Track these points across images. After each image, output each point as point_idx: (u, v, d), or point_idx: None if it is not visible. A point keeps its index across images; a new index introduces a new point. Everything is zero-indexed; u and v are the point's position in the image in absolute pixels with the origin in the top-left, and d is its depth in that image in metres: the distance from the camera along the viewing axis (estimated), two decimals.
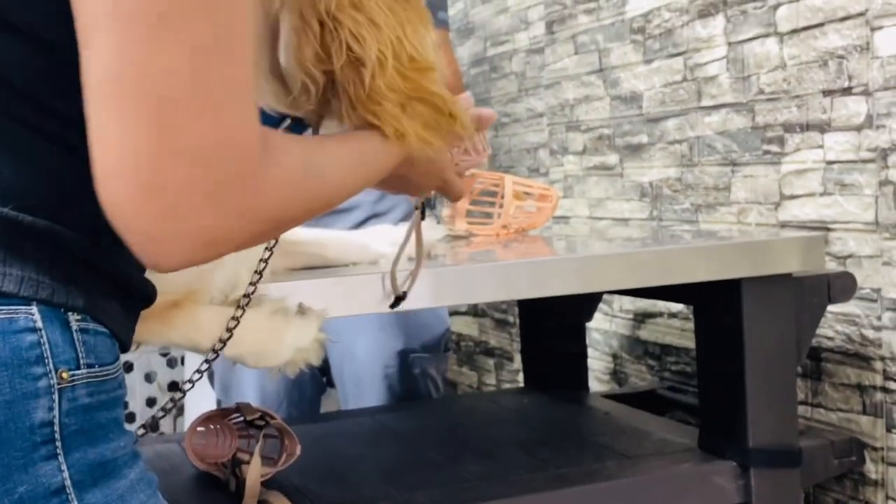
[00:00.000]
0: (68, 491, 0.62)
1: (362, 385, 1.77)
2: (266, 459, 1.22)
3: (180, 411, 2.69)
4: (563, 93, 2.07)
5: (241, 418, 1.30)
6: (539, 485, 1.20)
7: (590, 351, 1.98)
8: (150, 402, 2.68)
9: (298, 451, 1.22)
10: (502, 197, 1.54)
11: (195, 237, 0.58)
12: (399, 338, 1.71)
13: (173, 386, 2.73)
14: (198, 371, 0.92)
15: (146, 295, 0.73)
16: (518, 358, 2.20)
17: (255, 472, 1.17)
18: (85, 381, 0.64)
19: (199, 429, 1.32)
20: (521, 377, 2.06)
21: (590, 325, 1.92)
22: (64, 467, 0.62)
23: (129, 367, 2.63)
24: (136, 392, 2.68)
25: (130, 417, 2.67)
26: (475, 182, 1.62)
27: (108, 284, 0.67)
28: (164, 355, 2.70)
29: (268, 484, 1.19)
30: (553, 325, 1.72)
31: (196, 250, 0.59)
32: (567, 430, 1.47)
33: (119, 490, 0.65)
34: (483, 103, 2.43)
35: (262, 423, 1.27)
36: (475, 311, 2.51)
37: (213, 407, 1.69)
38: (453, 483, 1.22)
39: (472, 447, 1.38)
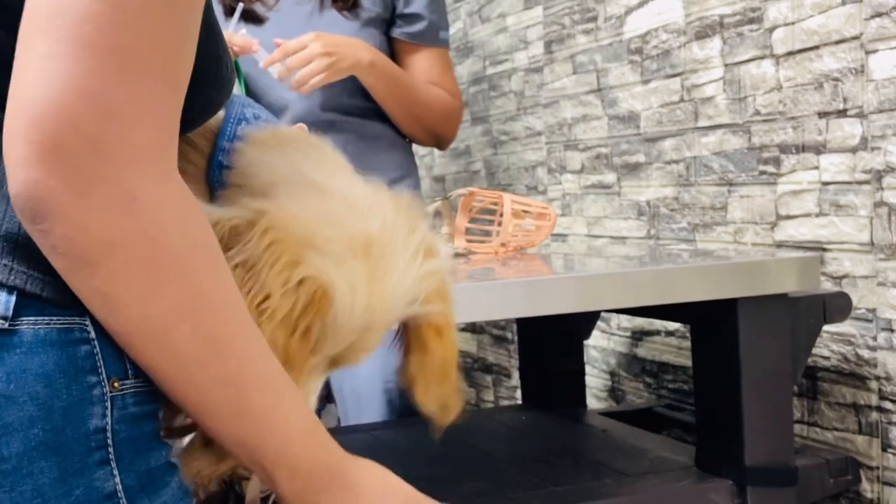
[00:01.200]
0: (120, 496, 0.64)
1: (362, 401, 1.78)
2: None
3: None
4: (562, 112, 2.09)
5: None
6: (536, 502, 1.20)
7: (587, 368, 1.99)
8: None
9: None
10: (501, 215, 1.55)
11: (56, 184, 0.57)
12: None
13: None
14: None
15: None
16: (516, 375, 2.21)
17: (254, 488, 1.17)
18: (133, 391, 0.66)
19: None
20: (518, 394, 2.07)
21: (587, 342, 1.93)
22: (116, 472, 0.64)
23: None
24: None
25: None
26: (474, 200, 1.63)
27: None
28: None
29: (267, 501, 1.19)
30: (551, 342, 1.74)
31: (52, 198, 0.57)
32: (564, 448, 1.48)
33: (164, 497, 0.67)
34: (482, 121, 2.45)
35: None
36: (473, 328, 2.52)
37: None
38: (451, 500, 1.23)
39: (469, 464, 1.39)
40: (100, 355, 0.64)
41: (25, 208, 0.58)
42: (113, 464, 0.64)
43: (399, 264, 0.77)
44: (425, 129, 1.88)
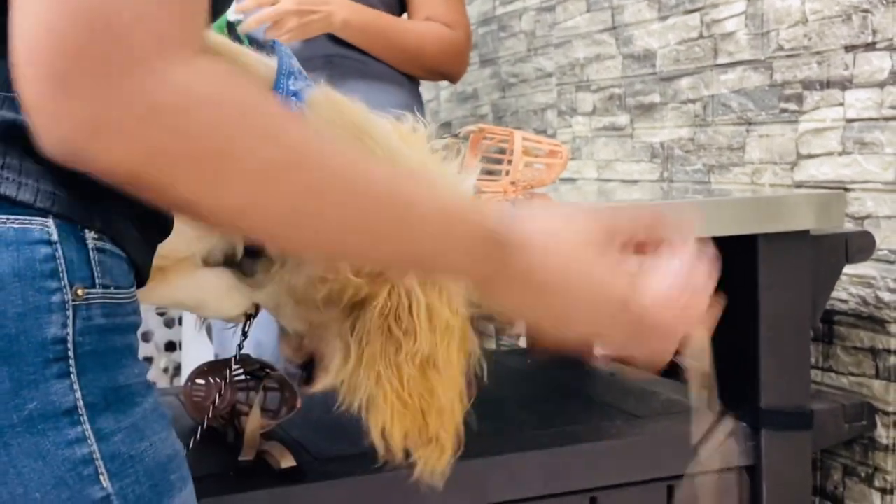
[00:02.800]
0: (80, 412, 0.59)
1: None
2: (266, 412, 1.19)
3: (177, 370, 2.67)
4: (574, 52, 2.03)
5: (241, 370, 1.27)
6: (545, 441, 1.17)
7: None
8: (147, 360, 2.66)
9: (299, 403, 1.20)
10: (511, 153, 1.50)
11: (76, 116, 0.51)
12: None
13: (170, 346, 2.70)
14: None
15: (164, 223, 0.69)
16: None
17: (254, 424, 1.14)
18: (101, 301, 0.61)
19: (197, 381, 1.29)
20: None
21: None
22: (77, 387, 0.59)
23: None
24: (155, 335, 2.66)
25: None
26: (483, 137, 1.58)
27: (125, 204, 0.62)
28: (161, 314, 2.67)
29: (267, 436, 1.16)
30: None
31: (76, 132, 0.51)
32: (572, 390, 1.45)
33: (132, 418, 0.62)
34: (490, 63, 2.38)
35: (261, 374, 1.24)
36: None
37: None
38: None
39: (475, 404, 1.35)
40: (62, 259, 0.59)
41: (56, 156, 0.53)
42: (73, 377, 0.59)
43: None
44: (425, 69, 1.82)
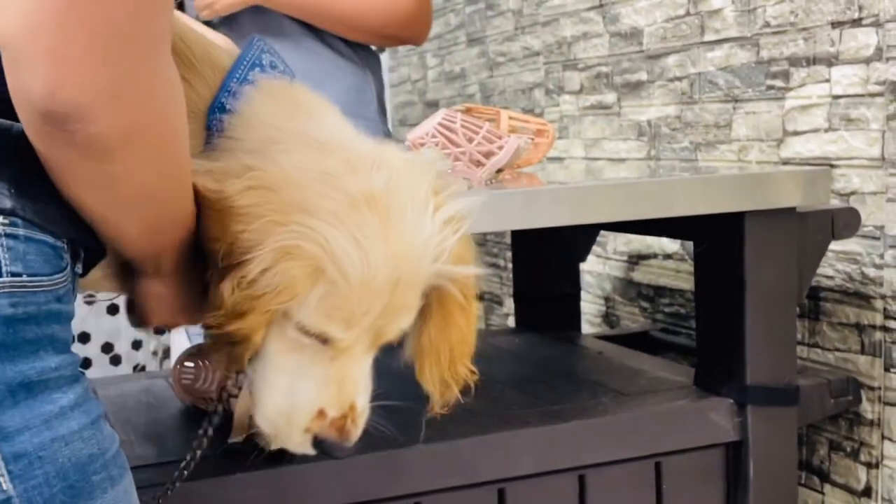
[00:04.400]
0: None
1: None
2: None
3: (166, 353, 2.66)
4: (561, 30, 2.02)
5: None
6: (533, 420, 1.18)
7: (582, 293, 1.96)
8: (136, 344, 2.65)
9: None
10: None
11: (51, 51, 0.52)
12: None
13: (159, 329, 2.70)
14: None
15: None
16: (508, 302, 2.18)
17: (243, 405, 1.14)
18: (7, 290, 0.58)
19: (186, 363, 1.29)
20: (510, 321, 2.04)
21: (582, 266, 1.89)
22: None
23: (114, 309, 2.60)
24: (122, 334, 2.65)
25: (116, 360, 2.64)
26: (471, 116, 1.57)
27: (53, 184, 0.61)
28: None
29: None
30: (546, 265, 1.70)
31: (52, 68, 0.53)
32: (560, 369, 1.45)
33: (44, 415, 0.59)
34: (478, 42, 2.37)
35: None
36: None
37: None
38: (446, 417, 1.20)
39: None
40: None
41: (55, 113, 0.54)
42: None
43: (411, 213, 0.71)
44: (375, 35, 1.73)
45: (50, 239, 0.61)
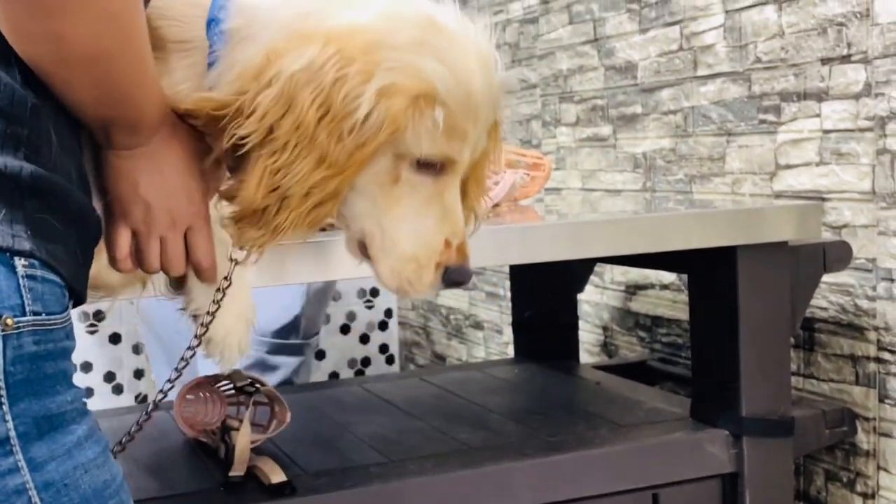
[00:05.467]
0: (13, 442, 0.59)
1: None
2: (256, 426, 1.21)
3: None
4: (557, 63, 2.05)
5: (231, 385, 1.28)
6: (531, 452, 1.19)
7: (580, 323, 1.97)
8: (138, 373, 2.66)
9: (288, 418, 1.21)
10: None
11: None
12: None
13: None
14: (176, 370, 0.85)
15: (98, 224, 0.70)
16: (508, 331, 2.19)
17: (244, 439, 1.15)
18: (31, 328, 0.61)
19: (188, 396, 1.30)
20: (510, 350, 2.05)
21: (580, 296, 1.91)
22: (8, 417, 0.59)
23: (116, 338, 2.61)
24: (124, 364, 2.66)
25: (118, 389, 2.65)
26: None
27: (58, 215, 0.64)
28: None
29: (258, 451, 1.18)
30: (544, 295, 1.71)
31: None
32: (558, 399, 1.47)
33: (66, 445, 0.62)
34: None
35: (251, 389, 1.26)
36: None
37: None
38: (444, 450, 1.21)
39: (462, 415, 1.37)
40: None
41: None
42: (5, 408, 0.59)
43: (466, 30, 0.75)
44: None
45: (58, 279, 0.64)
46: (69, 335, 0.65)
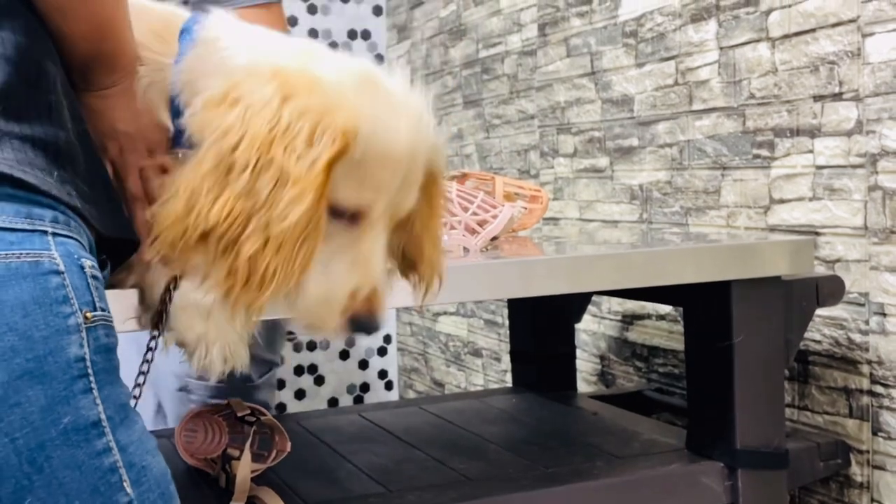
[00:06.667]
0: (104, 424, 0.66)
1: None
2: (256, 456, 1.22)
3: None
4: (555, 95, 2.08)
5: (232, 414, 1.30)
6: (528, 483, 1.20)
7: (577, 352, 1.99)
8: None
9: (289, 447, 1.23)
10: (493, 197, 1.54)
11: None
12: None
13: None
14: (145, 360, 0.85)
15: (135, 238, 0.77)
16: (506, 358, 2.20)
17: (245, 469, 1.17)
18: (102, 322, 0.68)
19: (188, 425, 1.31)
20: (508, 378, 2.07)
21: (578, 326, 1.93)
22: (98, 402, 0.66)
23: None
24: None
25: None
26: (466, 182, 1.62)
27: (113, 236, 0.71)
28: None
29: (258, 480, 1.19)
30: (542, 325, 1.73)
31: None
32: (555, 430, 1.48)
33: (138, 432, 0.69)
34: (474, 105, 2.43)
35: (252, 419, 1.27)
36: (464, 312, 2.51)
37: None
38: (442, 481, 1.22)
39: (460, 446, 1.38)
40: (70, 287, 0.66)
41: None
42: (95, 392, 0.65)
43: (403, 90, 0.80)
44: None
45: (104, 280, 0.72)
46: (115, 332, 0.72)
